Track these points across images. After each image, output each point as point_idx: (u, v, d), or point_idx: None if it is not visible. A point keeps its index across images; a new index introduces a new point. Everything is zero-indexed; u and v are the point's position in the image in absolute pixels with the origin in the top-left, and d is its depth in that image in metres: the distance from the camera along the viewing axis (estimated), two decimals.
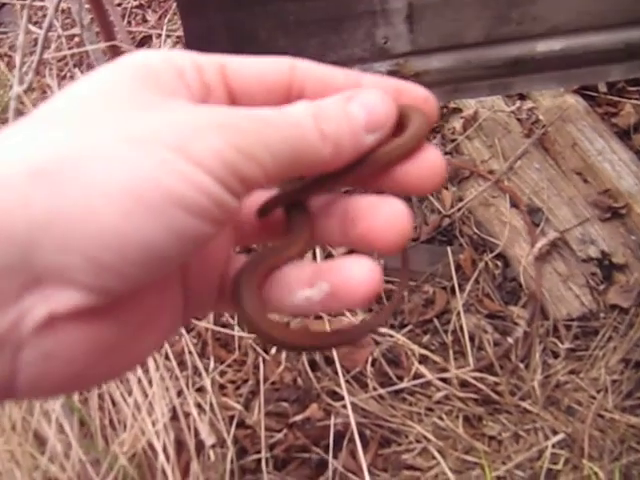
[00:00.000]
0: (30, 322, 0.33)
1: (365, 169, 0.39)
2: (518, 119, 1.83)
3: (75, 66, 2.30)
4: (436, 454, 1.35)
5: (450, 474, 1.31)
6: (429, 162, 0.40)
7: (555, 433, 1.36)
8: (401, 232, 0.37)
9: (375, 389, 1.41)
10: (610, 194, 1.64)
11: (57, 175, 0.33)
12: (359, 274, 0.36)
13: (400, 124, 0.39)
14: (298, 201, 0.42)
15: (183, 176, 0.33)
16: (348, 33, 1.31)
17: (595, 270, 1.55)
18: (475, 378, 1.42)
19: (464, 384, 1.43)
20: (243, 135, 0.35)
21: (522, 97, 1.89)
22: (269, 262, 0.40)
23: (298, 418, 1.38)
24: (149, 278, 0.34)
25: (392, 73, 1.33)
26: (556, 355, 1.48)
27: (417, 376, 1.43)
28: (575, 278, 1.55)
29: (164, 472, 1.22)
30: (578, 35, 1.31)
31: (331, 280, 0.37)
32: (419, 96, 0.41)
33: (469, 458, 1.35)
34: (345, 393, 1.29)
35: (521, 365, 1.45)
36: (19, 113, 1.76)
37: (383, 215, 0.38)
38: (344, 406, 1.33)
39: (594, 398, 1.40)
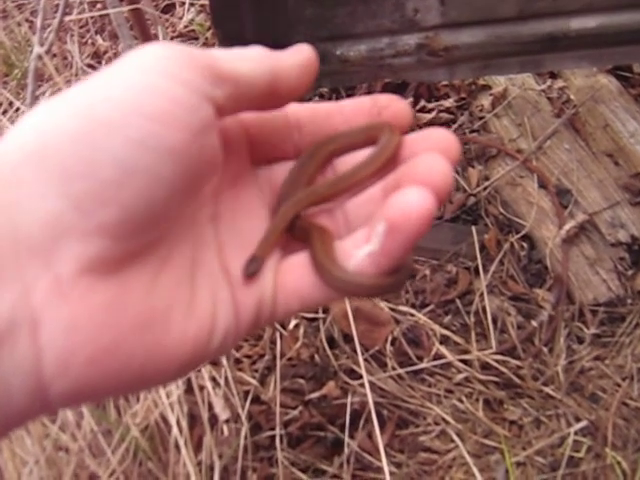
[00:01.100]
0: (39, 292, 0.31)
1: (343, 184, 0.44)
2: (549, 98, 1.79)
3: (97, 33, 2.27)
4: (455, 437, 1.32)
5: (468, 458, 1.28)
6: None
7: (578, 420, 1.33)
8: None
9: (394, 369, 1.38)
10: None
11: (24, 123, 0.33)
12: (412, 197, 0.36)
13: (375, 141, 0.45)
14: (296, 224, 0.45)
15: (134, 83, 0.34)
16: (377, 3, 1.27)
17: (624, 255, 1.51)
18: (497, 361, 1.39)
19: (485, 367, 1.40)
20: (194, 49, 0.36)
21: (553, 76, 1.84)
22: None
23: (314, 395, 1.36)
24: (143, 204, 0.33)
25: (421, 46, 1.29)
26: (581, 340, 1.44)
27: (437, 357, 1.40)
28: (603, 262, 1.51)
29: (177, 445, 1.19)
30: (614, 13, 1.27)
31: (386, 217, 0.36)
32: (394, 106, 0.46)
33: (488, 442, 1.32)
34: (363, 372, 1.26)
35: (545, 349, 1.42)
36: (40, 76, 1.74)
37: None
38: (362, 385, 1.31)
39: (619, 386, 1.37)
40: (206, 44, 2.13)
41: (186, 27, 2.23)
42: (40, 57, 1.17)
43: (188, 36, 2.20)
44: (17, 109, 1.73)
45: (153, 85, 0.33)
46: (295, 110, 0.46)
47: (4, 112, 1.80)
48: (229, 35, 1.26)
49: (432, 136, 0.42)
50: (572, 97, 1.77)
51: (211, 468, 1.20)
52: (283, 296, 0.41)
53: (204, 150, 0.36)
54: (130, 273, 0.34)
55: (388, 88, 1.81)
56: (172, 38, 2.14)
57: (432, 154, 0.38)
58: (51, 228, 0.31)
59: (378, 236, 0.37)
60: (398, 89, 1.83)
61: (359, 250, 0.39)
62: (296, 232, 0.44)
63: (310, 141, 0.46)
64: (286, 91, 0.41)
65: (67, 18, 2.10)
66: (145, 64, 0.34)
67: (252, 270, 0.40)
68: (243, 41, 1.25)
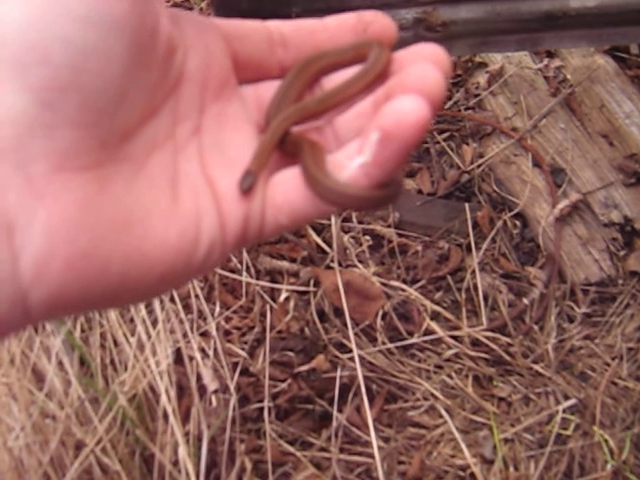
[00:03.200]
0: (12, 195, 0.30)
1: (333, 99, 0.44)
2: (545, 77, 1.78)
3: None
4: (443, 412, 1.32)
5: (457, 433, 1.28)
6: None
7: (567, 398, 1.33)
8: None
9: (384, 343, 1.38)
10: (636, 159, 1.60)
11: None
12: (406, 104, 0.35)
13: (363, 58, 0.44)
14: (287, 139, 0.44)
15: None
16: None
17: (616, 235, 1.51)
18: (487, 338, 1.39)
19: (476, 343, 1.40)
20: None
21: (550, 55, 1.83)
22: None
23: (303, 369, 1.35)
24: (100, 84, 0.33)
25: (419, 21, 1.28)
26: (572, 319, 1.44)
27: (428, 332, 1.40)
28: (595, 242, 1.50)
29: (165, 415, 1.19)
30: None
31: (380, 126, 0.36)
32: (379, 22, 0.45)
33: (477, 418, 1.32)
34: (353, 346, 1.26)
35: (535, 327, 1.42)
36: None
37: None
38: (351, 359, 1.30)
39: (608, 365, 1.37)
40: (201, 14, 2.11)
41: None
42: None
43: (184, 6, 2.18)
44: None
45: None
46: (278, 25, 0.45)
47: None
48: (225, 5, 1.24)
49: (421, 51, 0.41)
50: (568, 77, 1.76)
51: (199, 438, 1.20)
52: (272, 210, 0.41)
53: (145, 18, 0.35)
54: (105, 173, 0.34)
55: None
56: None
57: (423, 63, 0.38)
58: (17, 126, 0.31)
59: (371, 146, 0.36)
60: None
61: (351, 161, 0.39)
62: (287, 147, 0.44)
63: (294, 58, 0.45)
64: None
65: None
66: None
67: (247, 184, 0.40)
68: (239, 11, 1.24)
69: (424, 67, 0.37)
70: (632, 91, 1.71)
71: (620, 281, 1.48)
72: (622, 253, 1.50)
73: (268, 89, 0.45)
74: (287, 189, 0.41)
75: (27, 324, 0.33)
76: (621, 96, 1.69)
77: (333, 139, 0.44)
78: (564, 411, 1.31)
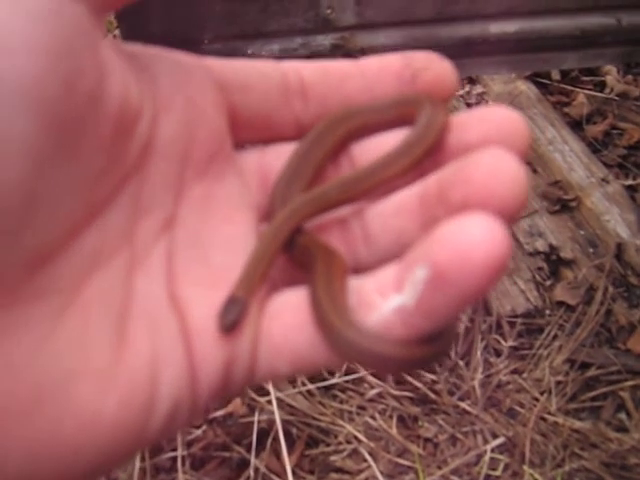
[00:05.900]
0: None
1: (365, 183, 0.31)
2: (467, 104, 1.75)
3: None
4: (367, 456, 1.26)
5: (381, 478, 1.22)
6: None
7: (495, 436, 1.28)
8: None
9: (304, 384, 1.31)
10: (560, 186, 1.57)
11: None
12: (474, 229, 0.23)
13: (409, 120, 0.33)
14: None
15: None
16: (290, 0, 1.21)
17: (542, 264, 1.48)
18: (411, 375, 1.33)
19: (399, 382, 1.34)
20: None
21: (472, 81, 1.81)
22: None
23: (219, 414, 1.28)
24: None
25: (336, 47, 1.24)
26: (498, 353, 1.40)
27: (349, 372, 1.34)
28: (521, 272, 1.47)
29: None
30: (534, 18, 1.26)
31: (430, 259, 0.24)
32: (434, 68, 0.34)
33: (402, 461, 1.26)
34: (271, 388, 1.21)
35: (461, 363, 1.37)
36: None
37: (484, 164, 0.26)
38: (269, 402, 1.24)
39: (537, 400, 1.32)
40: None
41: None
42: None
43: None
44: None
45: None
46: (297, 69, 0.33)
47: None
48: (133, 29, 1.18)
49: (491, 118, 0.30)
50: (491, 103, 1.74)
51: None
52: (267, 352, 0.29)
53: (77, 79, 0.22)
54: (10, 319, 0.22)
55: None
56: None
57: (496, 151, 0.26)
58: None
59: (415, 285, 0.25)
60: None
61: (385, 301, 0.27)
62: (295, 253, 0.31)
63: (317, 114, 0.33)
64: None
65: None
66: None
67: (232, 318, 0.27)
68: (149, 36, 1.17)
69: (497, 158, 0.26)
70: (554, 117, 1.69)
71: (547, 312, 1.44)
72: (548, 283, 1.46)
73: (278, 156, 0.33)
74: (290, 325, 0.29)
75: None
76: (544, 122, 1.67)
77: (362, 240, 0.31)
78: (492, 450, 1.26)
